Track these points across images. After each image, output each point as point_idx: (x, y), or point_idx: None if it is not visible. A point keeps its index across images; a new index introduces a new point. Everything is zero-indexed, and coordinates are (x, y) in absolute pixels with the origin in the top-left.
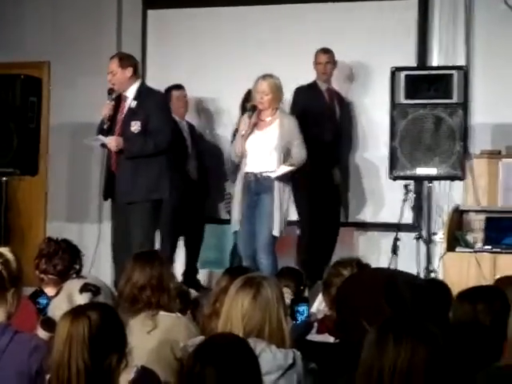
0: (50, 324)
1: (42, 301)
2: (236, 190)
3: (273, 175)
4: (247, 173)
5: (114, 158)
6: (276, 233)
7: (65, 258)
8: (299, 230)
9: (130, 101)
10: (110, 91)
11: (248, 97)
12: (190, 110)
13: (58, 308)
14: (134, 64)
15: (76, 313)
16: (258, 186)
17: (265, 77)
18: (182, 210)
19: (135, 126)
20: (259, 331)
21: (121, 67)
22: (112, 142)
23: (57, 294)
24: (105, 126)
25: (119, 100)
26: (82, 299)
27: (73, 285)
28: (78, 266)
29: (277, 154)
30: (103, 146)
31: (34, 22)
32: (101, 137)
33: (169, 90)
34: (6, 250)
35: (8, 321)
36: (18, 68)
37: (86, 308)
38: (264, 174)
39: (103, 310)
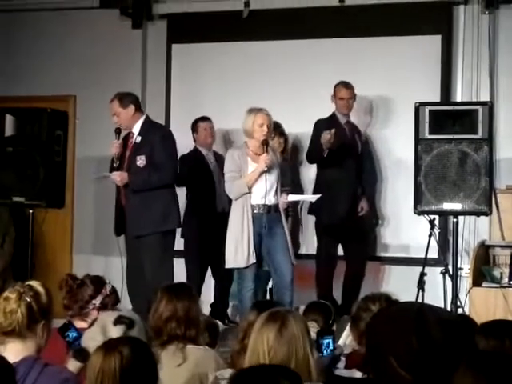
0: (82, 354)
1: (72, 334)
2: (240, 223)
3: (290, 198)
4: (257, 205)
5: (122, 192)
6: (293, 263)
7: (89, 294)
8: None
9: (135, 137)
10: (117, 130)
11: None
12: (218, 142)
13: (91, 339)
14: (135, 100)
15: (108, 347)
16: (269, 218)
17: (262, 109)
18: (207, 242)
19: (140, 161)
20: (285, 365)
21: (122, 107)
22: (117, 177)
23: (91, 325)
24: (114, 165)
25: (128, 137)
26: (116, 332)
27: (107, 317)
28: (97, 302)
29: (278, 185)
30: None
31: (60, 56)
32: (106, 173)
33: (196, 121)
34: (36, 284)
35: (38, 354)
36: (44, 102)
37: (118, 343)
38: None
39: (135, 344)
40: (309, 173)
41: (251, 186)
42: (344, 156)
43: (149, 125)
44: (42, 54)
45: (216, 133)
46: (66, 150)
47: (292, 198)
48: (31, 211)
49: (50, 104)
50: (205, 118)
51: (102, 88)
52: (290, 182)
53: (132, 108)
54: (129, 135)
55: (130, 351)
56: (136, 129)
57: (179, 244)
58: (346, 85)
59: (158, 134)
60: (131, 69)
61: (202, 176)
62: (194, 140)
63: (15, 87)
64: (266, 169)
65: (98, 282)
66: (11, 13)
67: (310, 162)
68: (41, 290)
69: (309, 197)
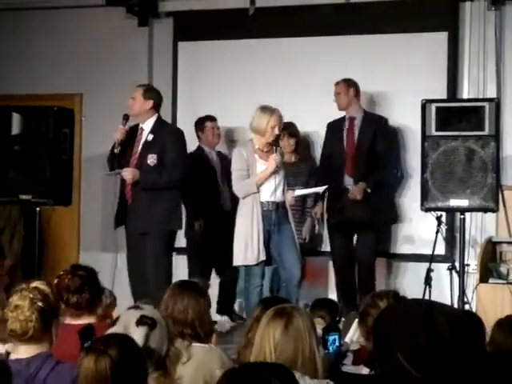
0: None
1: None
2: (250, 220)
3: (297, 193)
4: (267, 202)
5: (128, 187)
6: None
7: (91, 287)
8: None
9: (146, 134)
10: (125, 116)
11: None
12: (222, 140)
13: None
14: (157, 99)
15: (98, 351)
16: (277, 215)
17: (276, 110)
18: (210, 241)
19: (151, 159)
20: (292, 362)
21: (143, 96)
22: (128, 174)
23: (113, 323)
24: (115, 150)
25: (136, 132)
26: (139, 333)
27: (129, 317)
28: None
29: (285, 182)
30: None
31: (66, 54)
32: (117, 170)
33: (202, 120)
34: (41, 284)
35: (50, 349)
36: (50, 100)
37: (107, 344)
38: (296, 194)
39: (123, 344)
40: None
41: (260, 186)
42: (337, 156)
43: (161, 124)
44: (47, 53)
45: (221, 131)
46: (72, 147)
47: (299, 192)
48: (38, 209)
49: (56, 102)
50: (212, 118)
51: (109, 86)
52: (305, 181)
53: (150, 103)
54: (137, 130)
55: (119, 352)
56: (147, 126)
57: (180, 242)
58: (336, 82)
59: (170, 134)
60: (137, 66)
61: (206, 175)
62: (199, 138)
63: (21, 85)
64: (276, 169)
65: (93, 273)
66: (18, 11)
67: None
68: (47, 290)
69: (315, 189)
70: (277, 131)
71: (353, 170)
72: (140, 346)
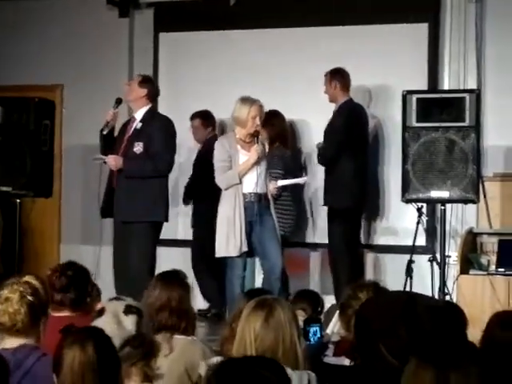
0: None
1: None
2: (232, 211)
3: (280, 183)
4: (249, 193)
5: (115, 174)
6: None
7: (77, 287)
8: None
9: (136, 122)
10: (118, 100)
11: None
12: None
13: (105, 328)
14: (152, 90)
15: (79, 340)
16: (259, 207)
17: (257, 101)
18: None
19: (137, 147)
20: (272, 353)
21: (138, 84)
22: (111, 160)
23: (99, 314)
24: (104, 132)
25: (129, 122)
26: (130, 321)
27: (116, 306)
28: (90, 289)
29: (267, 173)
30: (105, 163)
31: (46, 45)
32: (100, 155)
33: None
34: (32, 278)
35: (37, 343)
36: (31, 91)
37: (85, 334)
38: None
39: (96, 334)
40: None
41: (242, 177)
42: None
43: (152, 114)
44: (28, 43)
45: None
46: (53, 139)
47: (282, 183)
48: (19, 201)
49: (37, 93)
50: (203, 116)
51: (89, 77)
52: (291, 171)
53: (144, 91)
54: (130, 120)
55: (96, 341)
56: (139, 115)
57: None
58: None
59: (158, 124)
60: (118, 58)
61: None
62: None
63: (2, 77)
64: (258, 160)
65: (85, 272)
66: None
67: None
68: (38, 285)
69: (297, 180)
70: (258, 121)
71: None
72: (132, 333)
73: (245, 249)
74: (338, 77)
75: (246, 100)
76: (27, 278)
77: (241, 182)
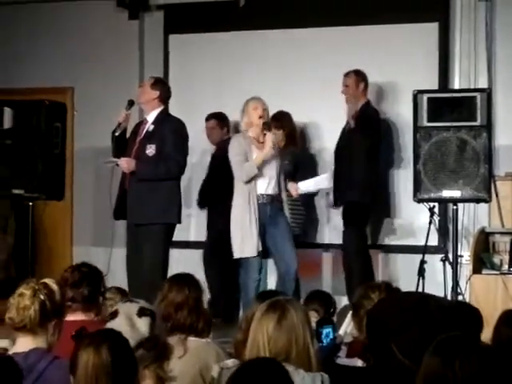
0: None
1: None
2: (247, 212)
3: (302, 188)
4: (261, 195)
5: (128, 176)
6: None
7: (90, 284)
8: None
9: (148, 124)
10: (130, 102)
11: None
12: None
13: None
14: (164, 92)
15: (95, 342)
16: (272, 208)
17: (254, 96)
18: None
19: (150, 150)
20: (286, 355)
21: (151, 86)
22: (123, 163)
23: (112, 317)
24: (116, 133)
25: (141, 124)
26: (143, 323)
27: (129, 308)
28: (103, 289)
29: (280, 174)
30: (117, 165)
31: (57, 47)
32: (111, 158)
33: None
34: (51, 282)
35: (49, 350)
36: (42, 94)
37: (101, 337)
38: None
39: (114, 337)
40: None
41: (260, 168)
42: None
43: (164, 116)
44: (39, 46)
45: None
46: (64, 141)
47: (303, 185)
48: (31, 203)
49: (47, 96)
50: (217, 117)
51: (100, 79)
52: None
53: (157, 93)
54: (142, 122)
55: (112, 344)
56: (151, 117)
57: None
58: (345, 73)
59: (170, 126)
60: (129, 60)
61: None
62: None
63: (13, 79)
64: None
65: (97, 272)
66: (8, 5)
67: None
68: (55, 288)
69: (319, 179)
70: (260, 111)
71: None
72: (146, 335)
73: (260, 248)
74: (365, 77)
75: (246, 101)
76: (46, 280)
77: (259, 175)
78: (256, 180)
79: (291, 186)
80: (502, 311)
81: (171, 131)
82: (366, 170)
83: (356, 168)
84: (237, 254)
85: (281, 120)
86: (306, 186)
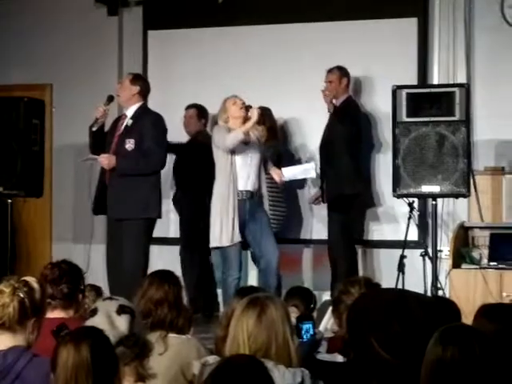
0: None
1: None
2: (226, 202)
3: (286, 176)
4: (240, 191)
5: (107, 172)
6: None
7: (70, 281)
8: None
9: (127, 119)
10: (109, 97)
11: None
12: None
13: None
14: (144, 87)
15: (75, 339)
16: (251, 204)
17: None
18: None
19: (129, 144)
20: (266, 351)
21: (131, 82)
22: (104, 160)
23: (92, 314)
24: (93, 128)
25: (119, 119)
26: (123, 321)
27: (108, 306)
28: (82, 287)
29: (261, 170)
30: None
31: (35, 44)
32: (92, 155)
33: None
34: (32, 280)
35: (27, 348)
36: (20, 90)
37: (82, 334)
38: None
39: (94, 333)
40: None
41: (247, 136)
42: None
43: (142, 110)
44: (17, 42)
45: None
46: (43, 138)
47: (287, 171)
48: (10, 201)
49: (26, 93)
50: (193, 106)
51: (79, 76)
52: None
53: (136, 89)
54: (121, 117)
55: (92, 341)
56: (130, 112)
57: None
58: (328, 70)
59: (149, 121)
60: (107, 56)
61: None
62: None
63: None
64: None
65: (77, 269)
66: None
67: None
68: (35, 286)
69: (303, 167)
70: (240, 104)
71: None
72: (125, 333)
73: (238, 239)
74: (347, 73)
75: (222, 101)
76: (27, 278)
77: (246, 143)
78: (236, 166)
79: (274, 171)
80: (480, 305)
81: (151, 125)
82: (349, 160)
83: (340, 160)
84: (213, 243)
85: (262, 115)
86: (291, 172)
